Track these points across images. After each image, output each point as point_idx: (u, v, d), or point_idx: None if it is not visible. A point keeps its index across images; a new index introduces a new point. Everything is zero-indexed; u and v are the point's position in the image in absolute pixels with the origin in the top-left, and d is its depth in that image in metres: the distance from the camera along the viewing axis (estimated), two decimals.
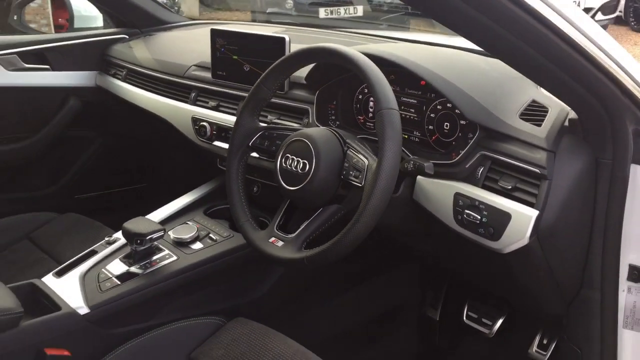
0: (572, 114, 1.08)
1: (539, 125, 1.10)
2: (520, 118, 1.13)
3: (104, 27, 2.15)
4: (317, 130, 1.19)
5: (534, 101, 1.17)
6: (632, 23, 8.86)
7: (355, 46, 1.26)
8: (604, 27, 8.41)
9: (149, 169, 2.17)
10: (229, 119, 1.58)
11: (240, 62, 1.57)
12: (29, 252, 1.67)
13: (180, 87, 1.76)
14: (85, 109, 2.05)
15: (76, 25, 2.07)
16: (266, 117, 1.49)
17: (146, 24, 2.11)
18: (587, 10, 7.77)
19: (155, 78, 1.83)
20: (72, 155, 2.11)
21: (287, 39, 1.46)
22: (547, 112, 1.13)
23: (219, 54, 1.61)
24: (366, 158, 1.11)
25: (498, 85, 1.22)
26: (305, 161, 1.14)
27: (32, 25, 2.23)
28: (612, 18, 8.27)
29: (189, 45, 1.93)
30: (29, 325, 1.20)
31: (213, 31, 1.60)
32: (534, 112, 1.14)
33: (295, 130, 1.24)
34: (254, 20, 5.01)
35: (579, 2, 7.58)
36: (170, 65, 1.81)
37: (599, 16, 7.85)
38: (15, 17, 2.13)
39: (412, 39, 1.82)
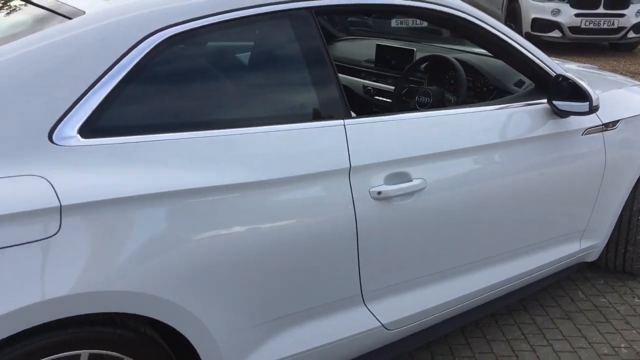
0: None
1: (520, 87, 2.84)
2: (514, 85, 2.88)
3: None
4: (434, 87, 2.98)
5: (520, 79, 2.91)
6: None
7: (452, 54, 3.05)
8: (636, 43, 9.80)
9: None
10: (384, 87, 3.38)
11: (389, 59, 3.38)
12: None
13: (356, 70, 3.58)
14: None
15: None
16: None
17: (329, 39, 3.95)
18: (620, 29, 9.23)
19: (343, 66, 3.66)
20: None
21: (415, 50, 3.27)
22: (525, 82, 2.87)
23: (380, 56, 3.43)
24: (452, 98, 2.89)
25: (506, 69, 2.96)
26: (428, 99, 2.93)
27: None
28: None
29: (358, 49, 3.75)
30: None
31: (378, 45, 3.43)
32: (521, 82, 2.88)
33: (420, 89, 3.04)
34: None
35: (613, 22, 9.04)
36: (350, 60, 3.63)
37: (631, 34, 9.28)
38: None
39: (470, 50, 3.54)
